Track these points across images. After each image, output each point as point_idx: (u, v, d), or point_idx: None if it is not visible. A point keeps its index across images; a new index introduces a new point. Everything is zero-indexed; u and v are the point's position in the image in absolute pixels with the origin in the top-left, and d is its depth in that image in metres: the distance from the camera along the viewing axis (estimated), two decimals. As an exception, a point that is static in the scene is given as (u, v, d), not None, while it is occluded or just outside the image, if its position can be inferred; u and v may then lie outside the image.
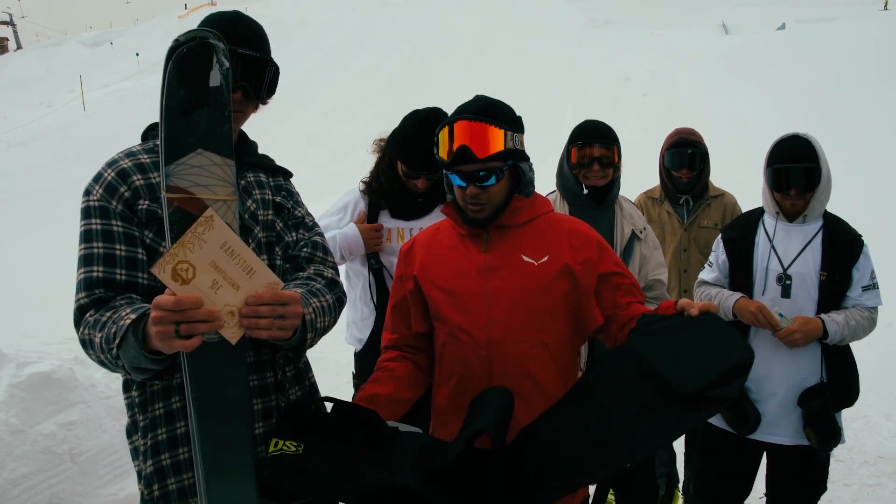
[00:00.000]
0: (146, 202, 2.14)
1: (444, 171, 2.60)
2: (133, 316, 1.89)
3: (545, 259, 2.58)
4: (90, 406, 5.18)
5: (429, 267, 2.72)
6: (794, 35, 32.32)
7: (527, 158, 2.66)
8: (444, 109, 3.45)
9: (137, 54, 52.08)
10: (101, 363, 2.02)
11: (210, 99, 1.88)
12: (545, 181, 4.04)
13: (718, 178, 4.91)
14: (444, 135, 2.51)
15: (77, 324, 2.07)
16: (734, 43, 33.09)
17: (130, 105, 35.12)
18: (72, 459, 4.85)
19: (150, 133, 2.34)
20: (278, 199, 2.45)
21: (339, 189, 3.66)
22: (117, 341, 1.88)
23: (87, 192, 2.17)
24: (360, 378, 3.79)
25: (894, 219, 14.25)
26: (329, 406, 2.37)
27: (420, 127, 3.47)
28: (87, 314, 2.05)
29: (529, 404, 2.45)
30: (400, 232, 3.61)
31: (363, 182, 3.74)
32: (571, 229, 2.68)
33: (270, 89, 2.36)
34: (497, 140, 2.47)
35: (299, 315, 2.03)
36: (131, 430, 2.25)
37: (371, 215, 3.65)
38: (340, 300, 2.46)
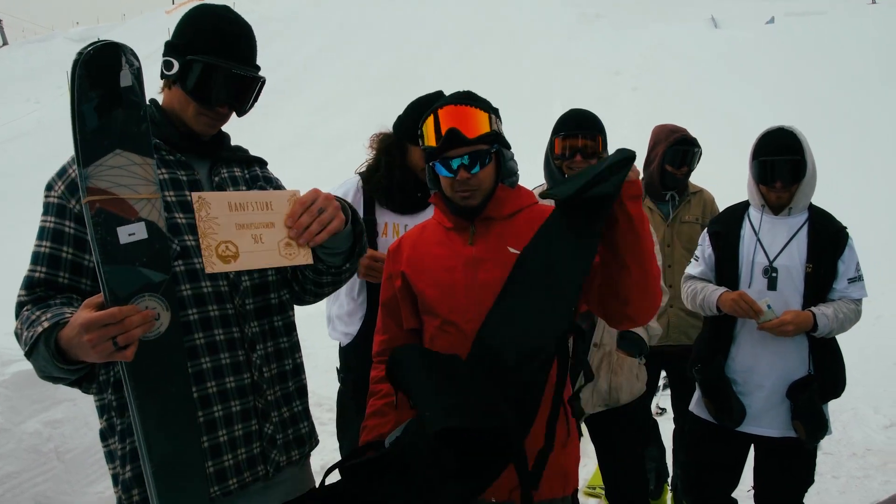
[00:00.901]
0: None
1: (429, 165, 2.60)
2: (46, 325, 1.87)
3: None
4: (76, 404, 5.15)
5: (416, 262, 2.72)
6: (784, 29, 32.33)
7: (509, 147, 2.67)
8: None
9: (125, 50, 51.61)
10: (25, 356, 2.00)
11: (123, 99, 1.85)
12: (536, 176, 4.02)
13: (708, 171, 4.94)
14: (429, 123, 2.54)
15: (16, 317, 2.05)
16: (724, 37, 33.03)
17: (118, 101, 34.91)
18: (58, 458, 4.81)
19: None
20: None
21: (329, 186, 3.61)
22: (27, 348, 1.90)
23: (49, 188, 2.15)
24: (345, 372, 3.75)
25: (884, 213, 14.32)
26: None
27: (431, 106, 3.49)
28: (25, 308, 2.04)
29: None
30: (395, 227, 3.53)
31: (360, 173, 3.65)
32: None
33: (255, 102, 2.37)
34: (483, 121, 2.52)
35: (330, 198, 2.10)
36: (107, 434, 2.20)
37: (367, 207, 3.57)
38: None
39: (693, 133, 4.79)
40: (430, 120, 2.54)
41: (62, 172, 2.15)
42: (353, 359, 3.63)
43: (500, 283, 2.46)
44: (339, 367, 3.82)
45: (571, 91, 28.26)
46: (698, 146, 4.74)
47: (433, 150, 2.53)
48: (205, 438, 2.12)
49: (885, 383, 7.10)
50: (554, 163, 3.75)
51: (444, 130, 2.48)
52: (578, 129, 3.68)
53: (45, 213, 2.12)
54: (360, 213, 3.47)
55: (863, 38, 28.39)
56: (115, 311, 1.71)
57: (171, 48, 2.27)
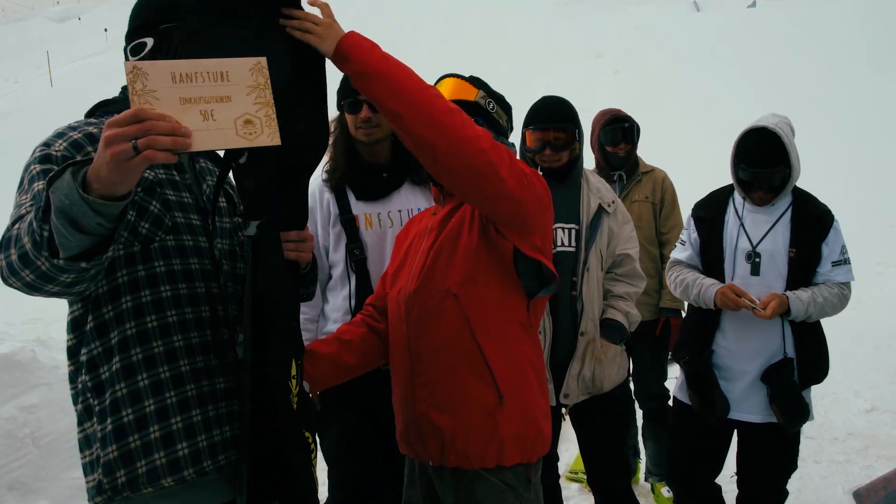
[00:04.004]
0: None
1: None
2: (79, 160, 1.68)
3: (463, 216, 2.53)
4: (52, 388, 5.06)
5: (406, 230, 2.85)
6: (765, 12, 32.42)
7: (501, 132, 2.65)
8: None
9: (106, 30, 51.16)
10: (18, 264, 1.74)
11: None
12: None
13: (688, 154, 4.93)
14: None
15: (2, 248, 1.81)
16: (705, 20, 33.12)
17: (98, 81, 34.48)
18: (33, 443, 4.73)
19: (97, 111, 2.25)
20: (227, 187, 2.43)
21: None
22: (48, 183, 1.65)
23: (47, 145, 2.01)
24: None
25: (865, 197, 14.39)
26: None
27: None
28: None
29: (442, 357, 2.47)
30: (368, 218, 3.37)
31: (325, 172, 3.49)
32: None
33: None
34: (466, 91, 2.55)
35: (310, 237, 2.30)
36: (83, 418, 2.12)
37: (341, 205, 3.40)
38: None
39: (674, 117, 4.86)
40: None
41: (61, 135, 2.04)
42: None
43: (430, 250, 2.53)
44: None
45: (552, 75, 28.25)
46: (629, 121, 4.78)
47: None
48: (179, 419, 2.06)
49: (864, 367, 7.13)
50: (527, 155, 3.66)
51: None
52: (548, 121, 3.58)
53: (46, 161, 1.96)
54: (337, 213, 3.39)
55: (844, 20, 28.56)
56: (137, 110, 1.55)
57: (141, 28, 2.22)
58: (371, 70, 2.09)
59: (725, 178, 3.72)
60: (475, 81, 2.62)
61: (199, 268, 2.17)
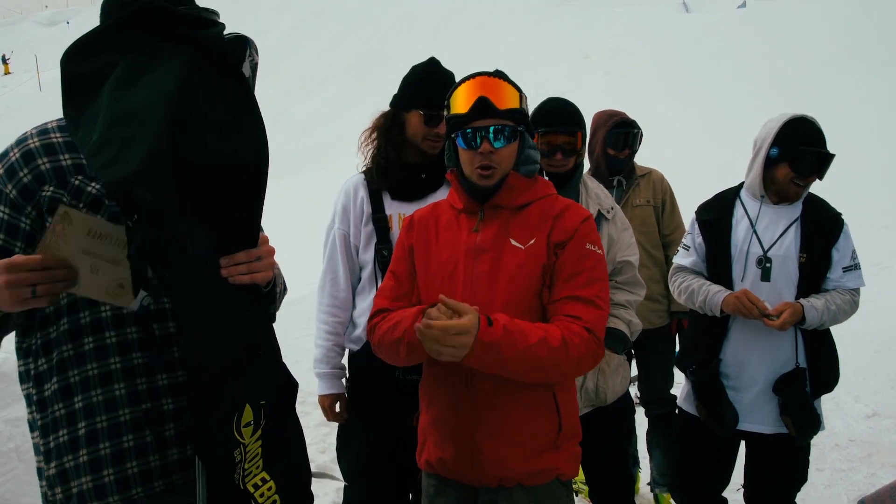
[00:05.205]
0: (51, 188, 1.95)
1: (451, 137, 2.56)
2: None
3: (532, 242, 2.48)
4: (37, 401, 4.94)
5: (422, 242, 2.66)
6: (755, 12, 32.46)
7: (533, 134, 2.65)
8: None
9: (94, 33, 50.96)
10: None
11: None
12: None
13: (677, 154, 4.86)
14: (459, 92, 2.51)
15: None
16: (695, 21, 33.16)
17: (85, 85, 34.48)
18: (18, 458, 4.59)
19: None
20: None
21: (300, 168, 3.40)
22: None
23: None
24: (353, 382, 3.49)
25: (861, 197, 14.35)
26: None
27: (432, 67, 3.39)
28: None
29: (510, 390, 2.40)
30: (401, 218, 3.32)
31: (364, 166, 3.45)
32: (559, 213, 2.56)
33: None
34: (513, 97, 2.49)
35: (271, 252, 2.05)
36: (32, 426, 2.11)
37: (374, 202, 3.35)
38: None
39: (664, 117, 4.81)
40: (461, 88, 2.50)
41: (3, 155, 2.00)
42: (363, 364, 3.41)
43: (496, 275, 2.45)
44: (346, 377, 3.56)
45: (542, 75, 28.21)
46: (637, 127, 4.68)
47: (460, 119, 2.47)
48: (130, 437, 2.01)
49: (864, 372, 7.05)
50: None
51: (473, 98, 2.44)
52: (561, 126, 3.50)
53: None
54: (370, 211, 3.33)
55: (834, 21, 28.62)
56: (43, 257, 1.73)
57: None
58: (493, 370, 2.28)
59: (717, 177, 3.64)
60: (508, 80, 2.54)
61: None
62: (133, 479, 2.00)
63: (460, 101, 2.48)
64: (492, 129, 2.44)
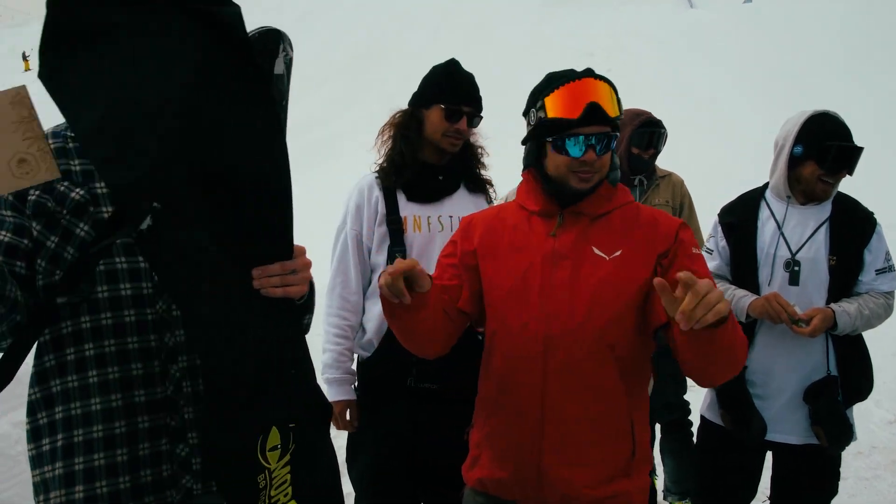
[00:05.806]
0: (36, 193, 1.87)
1: (545, 140, 2.39)
2: None
3: (618, 254, 2.34)
4: (47, 403, 4.88)
5: (490, 245, 2.52)
6: (761, 9, 32.30)
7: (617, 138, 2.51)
8: (409, 86, 3.33)
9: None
10: None
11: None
12: (508, 166, 3.78)
13: (682, 154, 4.77)
14: (561, 93, 2.33)
15: None
16: (699, 18, 33.02)
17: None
18: (26, 461, 4.53)
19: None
20: None
21: (299, 168, 3.31)
22: None
23: None
24: (362, 389, 3.38)
25: (868, 197, 14.18)
26: None
27: (453, 66, 3.34)
28: None
29: (586, 409, 2.30)
30: (417, 220, 3.22)
31: (378, 164, 3.37)
32: (650, 221, 2.44)
33: None
34: (616, 104, 2.35)
35: (308, 265, 1.90)
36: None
37: (389, 203, 3.26)
38: None
39: (668, 116, 4.65)
40: (564, 90, 2.32)
41: None
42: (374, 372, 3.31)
43: (578, 285, 2.32)
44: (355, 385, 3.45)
45: (542, 74, 28.04)
46: (663, 127, 4.61)
47: (568, 123, 2.30)
48: (101, 455, 1.93)
49: (884, 375, 6.88)
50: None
51: (584, 103, 2.27)
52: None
53: None
54: (384, 212, 3.23)
55: (841, 19, 28.51)
56: None
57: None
58: None
59: (721, 177, 3.55)
60: (615, 86, 2.39)
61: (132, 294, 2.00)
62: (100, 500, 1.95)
63: (563, 104, 2.32)
64: (601, 137, 2.32)
